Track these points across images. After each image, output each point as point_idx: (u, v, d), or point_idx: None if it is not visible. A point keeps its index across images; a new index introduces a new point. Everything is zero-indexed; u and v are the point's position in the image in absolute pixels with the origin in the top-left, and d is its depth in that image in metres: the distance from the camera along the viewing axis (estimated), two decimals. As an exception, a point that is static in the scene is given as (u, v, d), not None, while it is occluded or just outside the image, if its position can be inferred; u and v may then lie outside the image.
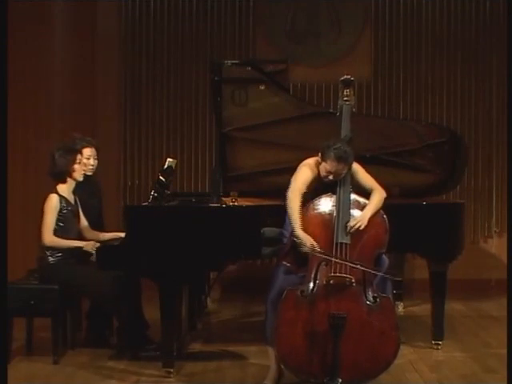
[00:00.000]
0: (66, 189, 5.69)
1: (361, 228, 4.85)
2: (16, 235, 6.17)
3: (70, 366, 5.48)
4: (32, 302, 5.49)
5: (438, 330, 5.94)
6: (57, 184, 5.68)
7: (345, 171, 4.93)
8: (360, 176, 5.05)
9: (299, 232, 4.80)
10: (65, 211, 5.63)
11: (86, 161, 5.86)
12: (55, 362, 5.50)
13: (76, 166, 5.68)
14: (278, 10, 8.57)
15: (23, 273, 5.87)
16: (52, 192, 5.64)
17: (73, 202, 5.72)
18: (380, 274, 4.83)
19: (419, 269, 6.94)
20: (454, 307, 7.16)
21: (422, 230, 5.76)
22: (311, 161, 5.02)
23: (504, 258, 7.82)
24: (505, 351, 5.06)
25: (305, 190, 4.93)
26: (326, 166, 4.91)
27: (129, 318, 5.60)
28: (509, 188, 7.20)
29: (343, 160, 4.88)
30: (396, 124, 6.81)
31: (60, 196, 5.63)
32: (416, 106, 8.56)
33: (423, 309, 7.06)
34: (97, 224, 5.95)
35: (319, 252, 4.75)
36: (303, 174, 4.96)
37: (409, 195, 6.02)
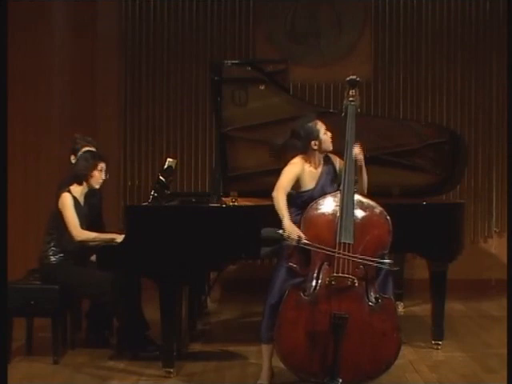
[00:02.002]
0: (79, 191, 5.68)
1: (360, 161, 4.92)
2: (16, 235, 6.16)
3: (70, 365, 5.49)
4: (32, 302, 5.49)
5: (437, 330, 5.94)
6: (72, 184, 5.66)
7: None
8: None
9: (288, 223, 4.77)
10: None
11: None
12: (55, 362, 5.50)
13: (95, 173, 5.66)
14: (278, 10, 8.57)
15: (23, 273, 5.87)
16: (65, 191, 5.61)
17: (82, 204, 5.71)
18: (376, 264, 4.80)
19: (419, 269, 6.94)
20: (453, 307, 7.16)
21: (422, 230, 5.76)
22: (296, 159, 5.02)
23: (504, 258, 7.80)
24: (505, 351, 5.05)
25: (289, 189, 4.92)
26: (323, 139, 4.97)
27: (128, 319, 5.60)
28: (509, 188, 7.19)
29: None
30: (396, 124, 6.80)
31: (72, 196, 5.63)
32: (416, 106, 8.55)
33: (423, 309, 7.07)
34: (97, 224, 5.94)
35: (305, 244, 4.74)
36: (287, 173, 4.96)
37: (409, 195, 6.02)
